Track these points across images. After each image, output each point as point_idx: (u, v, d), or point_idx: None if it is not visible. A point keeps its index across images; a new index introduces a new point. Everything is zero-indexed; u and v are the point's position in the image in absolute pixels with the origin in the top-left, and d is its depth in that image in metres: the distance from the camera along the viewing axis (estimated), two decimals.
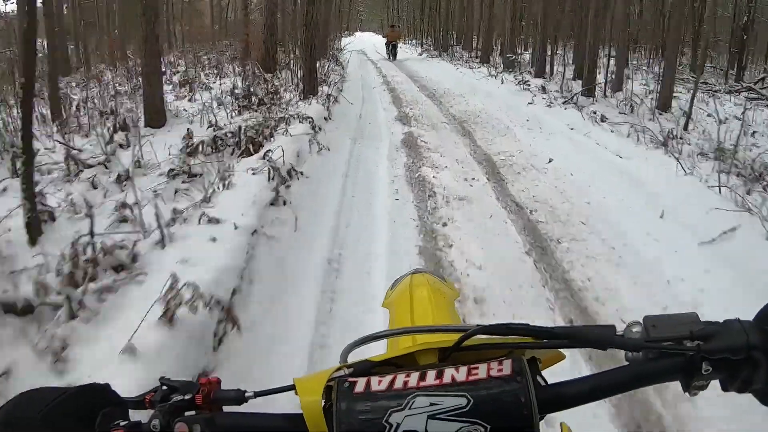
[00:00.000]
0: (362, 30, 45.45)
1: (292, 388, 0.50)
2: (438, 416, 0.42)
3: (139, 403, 0.52)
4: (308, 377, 0.50)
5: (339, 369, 0.48)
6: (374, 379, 0.45)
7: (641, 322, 0.47)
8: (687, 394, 0.46)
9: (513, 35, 14.77)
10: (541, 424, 0.43)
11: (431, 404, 0.42)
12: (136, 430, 0.48)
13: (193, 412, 0.50)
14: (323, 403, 0.46)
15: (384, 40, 19.41)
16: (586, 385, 0.47)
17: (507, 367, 0.44)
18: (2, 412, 0.47)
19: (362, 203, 3.88)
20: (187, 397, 0.50)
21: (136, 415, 0.51)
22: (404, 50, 20.94)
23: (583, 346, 0.49)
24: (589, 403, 0.47)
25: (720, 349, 0.43)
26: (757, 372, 0.43)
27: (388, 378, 0.45)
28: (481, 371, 0.44)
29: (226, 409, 0.52)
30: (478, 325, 0.49)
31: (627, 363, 0.48)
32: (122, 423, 0.48)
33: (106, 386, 0.51)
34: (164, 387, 0.52)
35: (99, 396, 0.50)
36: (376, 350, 0.61)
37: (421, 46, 23.58)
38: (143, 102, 5.81)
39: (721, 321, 0.46)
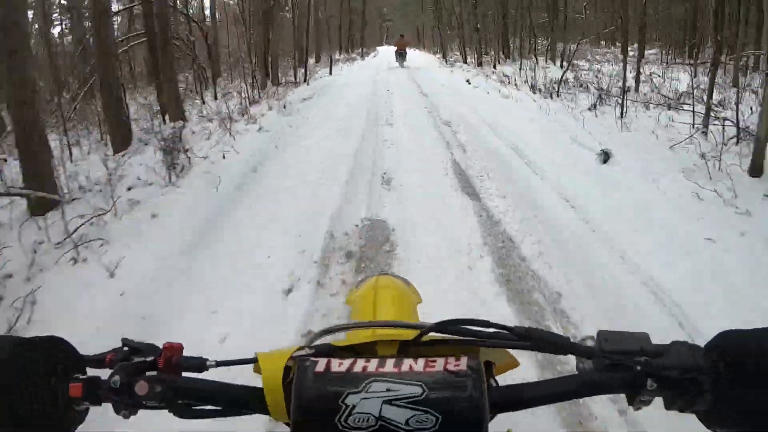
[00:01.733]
0: (389, 43, 38.87)
1: (253, 360, 0.53)
2: (393, 402, 0.43)
3: (99, 361, 0.52)
4: (271, 353, 0.52)
5: (301, 348, 0.51)
6: (335, 361, 0.47)
7: (594, 337, 0.50)
8: (631, 407, 0.48)
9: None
10: (490, 426, 0.44)
11: (387, 390, 0.44)
12: (95, 386, 0.48)
13: (154, 374, 0.50)
14: (284, 380, 0.48)
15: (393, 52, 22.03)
16: (537, 390, 0.49)
17: (463, 363, 0.46)
18: None
19: None
20: (149, 359, 0.51)
21: (94, 373, 0.51)
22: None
23: (540, 350, 0.51)
24: (539, 406, 0.49)
25: (666, 366, 0.45)
26: (702, 395, 0.44)
27: (348, 361, 0.47)
28: (438, 364, 0.46)
29: (187, 375, 0.53)
30: (438, 323, 0.51)
31: (577, 372, 0.50)
32: (81, 377, 0.49)
33: (64, 341, 0.51)
34: (125, 348, 0.52)
35: (57, 349, 0.50)
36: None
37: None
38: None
39: (668, 342, 0.48)
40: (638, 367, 0.46)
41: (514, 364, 0.61)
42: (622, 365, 0.47)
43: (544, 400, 0.49)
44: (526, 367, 1.92)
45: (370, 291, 1.07)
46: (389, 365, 0.46)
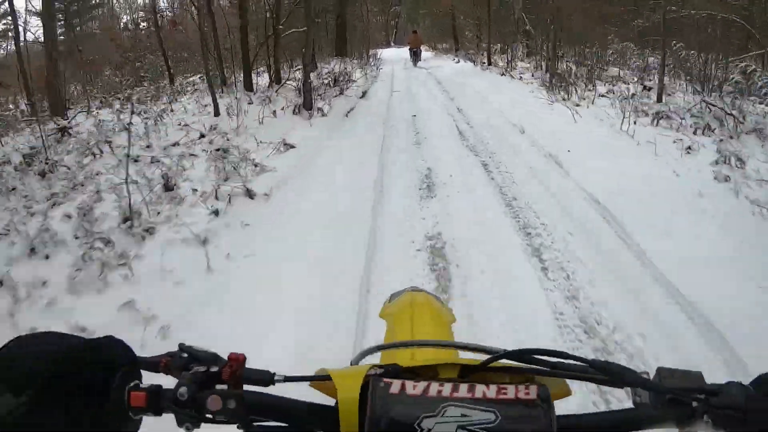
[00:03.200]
0: (397, 44, 33.37)
1: (326, 378, 0.51)
2: (467, 427, 0.43)
3: (154, 364, 0.51)
4: (343, 372, 0.51)
5: (372, 367, 0.50)
6: (409, 383, 0.47)
7: (647, 371, 0.52)
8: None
9: None
10: None
11: (462, 415, 0.44)
12: (159, 396, 0.47)
13: (224, 387, 0.49)
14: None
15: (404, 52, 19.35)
16: (596, 420, 0.49)
17: (533, 392, 0.46)
18: (6, 351, 0.44)
19: None
20: (213, 369, 0.49)
21: (147, 377, 0.50)
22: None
23: (614, 385, 0.52)
24: None
25: (722, 405, 0.47)
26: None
27: (422, 384, 0.47)
28: (510, 392, 0.46)
29: (250, 388, 0.50)
30: (505, 350, 0.51)
31: (632, 406, 0.52)
32: (142, 385, 0.48)
33: (122, 342, 0.49)
34: (183, 354, 0.51)
35: (115, 350, 0.48)
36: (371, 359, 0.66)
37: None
38: None
39: (723, 382, 0.50)
40: (695, 404, 0.48)
41: (568, 392, 0.58)
42: (680, 401, 0.49)
43: (603, 430, 0.50)
44: None
45: (407, 308, 1.07)
46: (463, 390, 0.46)
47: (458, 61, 17.03)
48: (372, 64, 16.43)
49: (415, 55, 17.14)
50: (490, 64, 15.04)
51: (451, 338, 1.00)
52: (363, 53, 17.73)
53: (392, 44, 35.78)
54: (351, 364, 0.64)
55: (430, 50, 25.71)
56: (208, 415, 0.47)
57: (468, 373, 0.54)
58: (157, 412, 0.47)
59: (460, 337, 1.91)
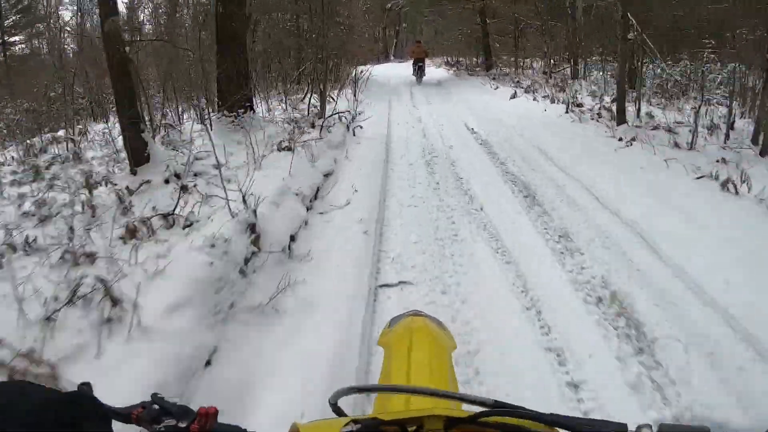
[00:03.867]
0: (398, 57, 28.10)
1: None
2: None
3: (125, 416, 0.51)
4: (315, 427, 0.53)
5: (347, 424, 0.49)
6: None
7: (651, 425, 0.49)
8: None
9: None
10: None
11: None
12: None
13: None
14: None
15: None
16: None
17: None
18: None
19: None
20: (182, 424, 0.49)
21: (118, 428, 0.49)
22: None
23: None
24: None
25: None
26: None
27: None
28: None
29: None
30: (495, 402, 0.50)
31: None
32: None
33: (92, 396, 0.49)
34: (155, 406, 0.51)
35: (84, 406, 0.47)
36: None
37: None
38: None
39: None
40: None
41: None
42: None
43: None
44: None
45: (405, 335, 1.04)
46: None
47: (514, 95, 9.55)
48: (353, 100, 9.09)
49: (420, 70, 14.47)
50: (578, 106, 7.65)
51: (450, 371, 0.97)
52: (340, 79, 10.40)
53: (392, 57, 28.73)
54: (329, 402, 0.62)
55: (448, 69, 18.36)
56: None
57: (454, 424, 0.52)
58: None
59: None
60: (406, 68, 18.83)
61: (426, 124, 7.78)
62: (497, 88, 10.76)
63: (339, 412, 0.64)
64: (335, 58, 11.14)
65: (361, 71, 12.61)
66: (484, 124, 7.32)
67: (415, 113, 9.01)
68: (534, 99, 8.87)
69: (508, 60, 15.56)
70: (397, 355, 0.97)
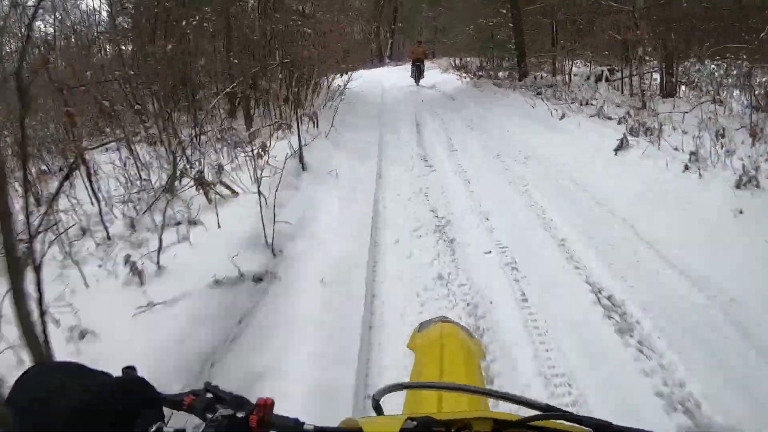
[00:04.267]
0: (393, 60, 23.31)
1: (357, 430, 0.50)
2: None
3: (177, 403, 0.49)
4: (375, 423, 0.52)
5: (406, 420, 0.50)
6: None
7: None
8: None
9: None
10: None
11: None
12: None
13: None
14: None
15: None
16: None
17: None
18: (23, 388, 0.43)
19: None
20: (240, 414, 0.46)
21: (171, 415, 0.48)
22: None
23: None
24: None
25: None
26: None
27: None
28: None
29: None
30: (548, 406, 0.49)
31: None
32: (166, 429, 0.45)
33: (141, 379, 0.48)
34: (208, 394, 0.49)
35: (138, 391, 0.46)
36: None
37: None
38: None
39: None
40: None
41: None
42: None
43: None
44: None
45: (437, 340, 1.02)
46: None
47: (622, 145, 4.38)
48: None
49: (418, 70, 13.43)
50: None
51: (481, 378, 0.95)
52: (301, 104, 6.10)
53: (387, 60, 24.32)
54: (373, 398, 0.62)
55: (459, 75, 13.76)
56: None
57: (503, 427, 0.52)
58: None
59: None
60: (404, 73, 14.43)
61: (462, 230, 3.41)
62: (563, 116, 6.23)
63: (378, 407, 0.63)
64: (292, 68, 6.67)
65: (341, 83, 8.28)
66: (632, 279, 2.73)
67: (428, 180, 4.55)
68: (658, 149, 4.35)
69: (538, 62, 11.09)
70: (429, 360, 0.96)
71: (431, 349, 0.99)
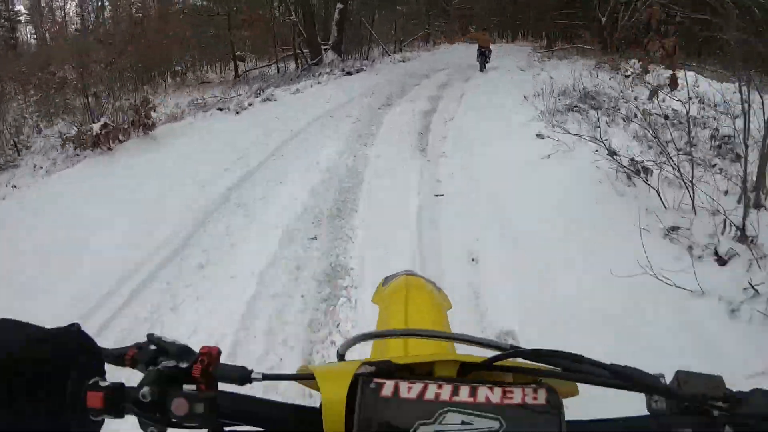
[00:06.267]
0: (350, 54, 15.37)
1: (309, 377, 0.46)
2: None
3: (119, 357, 0.46)
4: (328, 369, 0.47)
5: (362, 365, 0.45)
6: (403, 385, 0.42)
7: (662, 374, 0.47)
8: None
9: None
10: None
11: (462, 422, 0.39)
12: (119, 396, 0.42)
13: (192, 387, 0.43)
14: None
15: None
16: (609, 427, 0.45)
17: (541, 396, 0.42)
18: None
19: None
20: (182, 365, 0.44)
21: (112, 371, 0.45)
22: None
23: (632, 390, 0.45)
24: None
25: (746, 414, 0.43)
26: None
27: (418, 386, 0.42)
28: (516, 396, 0.41)
29: (224, 387, 0.45)
30: (512, 345, 0.46)
31: (648, 410, 0.46)
32: (102, 383, 0.42)
33: (83, 332, 0.44)
34: (151, 346, 0.46)
35: (75, 343, 0.43)
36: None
37: None
38: None
39: (748, 390, 0.45)
40: (716, 413, 0.44)
41: (574, 392, 0.53)
42: (700, 409, 0.44)
43: None
44: None
45: (401, 291, 1.01)
46: (464, 393, 0.41)
47: None
48: None
49: (483, 56, 13.22)
50: None
51: (447, 327, 0.94)
52: None
53: (328, 55, 19.13)
54: (338, 353, 0.59)
55: None
56: (174, 419, 0.42)
57: (468, 371, 0.49)
58: (118, 414, 0.42)
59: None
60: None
61: None
62: None
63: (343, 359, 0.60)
64: None
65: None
66: None
67: None
68: None
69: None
70: (394, 309, 0.94)
71: (396, 300, 0.98)
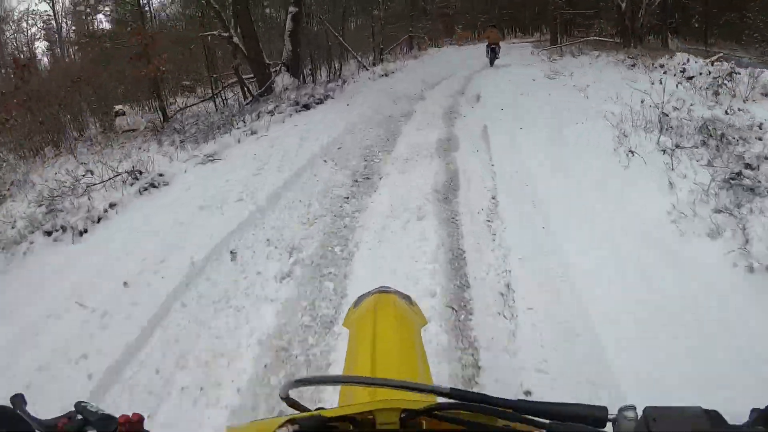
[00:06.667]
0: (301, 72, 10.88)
1: None
2: None
3: (51, 428, 0.49)
4: (244, 429, 0.47)
5: (283, 425, 0.44)
6: None
7: (635, 407, 0.44)
8: None
9: None
10: None
11: None
12: None
13: None
14: None
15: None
16: None
17: None
18: None
19: None
20: None
21: None
22: None
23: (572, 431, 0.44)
24: None
25: None
26: None
27: None
28: None
29: None
30: (452, 389, 0.46)
31: None
32: None
33: (13, 411, 0.47)
34: (79, 416, 0.49)
35: (8, 420, 0.46)
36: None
37: None
38: None
39: (725, 416, 0.40)
40: None
41: None
42: None
43: None
44: None
45: (369, 314, 0.99)
46: None
47: None
48: None
49: (493, 52, 13.34)
50: None
51: (418, 344, 0.94)
52: None
53: (285, 79, 17.12)
54: (280, 397, 0.57)
55: None
56: None
57: (409, 417, 0.49)
58: None
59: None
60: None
61: None
62: None
63: (293, 404, 0.60)
64: None
65: None
66: None
67: None
68: None
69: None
70: (361, 337, 0.94)
71: (364, 325, 0.96)
